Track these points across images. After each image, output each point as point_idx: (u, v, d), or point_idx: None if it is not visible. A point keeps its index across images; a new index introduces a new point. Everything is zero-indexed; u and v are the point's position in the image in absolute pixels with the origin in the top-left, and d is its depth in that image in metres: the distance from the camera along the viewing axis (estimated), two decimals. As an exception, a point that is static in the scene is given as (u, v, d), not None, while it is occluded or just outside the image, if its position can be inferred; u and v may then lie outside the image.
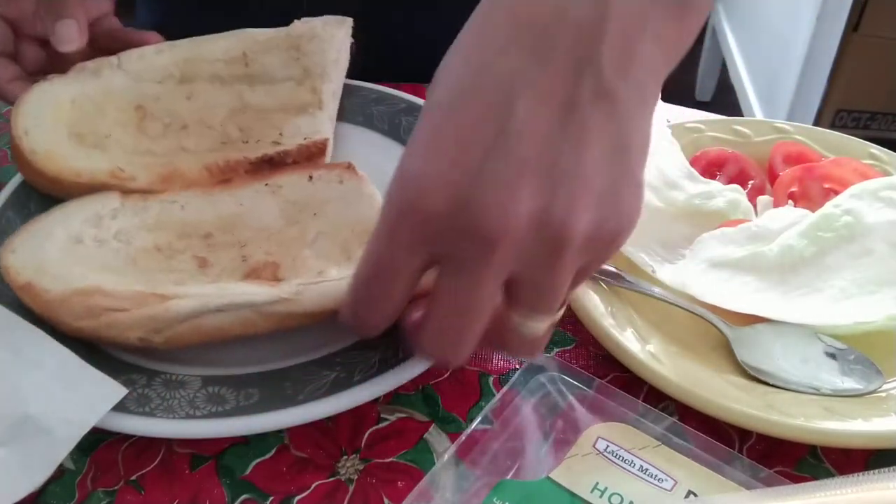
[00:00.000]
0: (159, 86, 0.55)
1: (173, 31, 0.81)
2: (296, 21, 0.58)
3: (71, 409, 0.38)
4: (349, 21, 0.59)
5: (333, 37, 0.58)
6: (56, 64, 0.61)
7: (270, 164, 0.51)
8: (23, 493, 0.37)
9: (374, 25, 0.68)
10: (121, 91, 0.54)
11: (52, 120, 0.51)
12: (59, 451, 0.38)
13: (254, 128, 0.54)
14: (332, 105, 0.57)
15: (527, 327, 0.35)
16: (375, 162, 0.52)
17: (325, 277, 0.42)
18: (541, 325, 0.35)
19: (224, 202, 0.49)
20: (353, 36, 0.61)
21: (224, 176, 0.51)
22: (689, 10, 0.34)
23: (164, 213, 0.48)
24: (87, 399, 0.39)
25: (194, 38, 0.57)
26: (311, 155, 0.52)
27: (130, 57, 0.55)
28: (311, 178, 0.50)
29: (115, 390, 0.39)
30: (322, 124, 0.54)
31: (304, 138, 0.53)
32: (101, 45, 0.61)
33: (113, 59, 0.55)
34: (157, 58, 0.56)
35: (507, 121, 0.31)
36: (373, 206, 0.48)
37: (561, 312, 0.36)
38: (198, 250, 0.46)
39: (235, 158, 0.51)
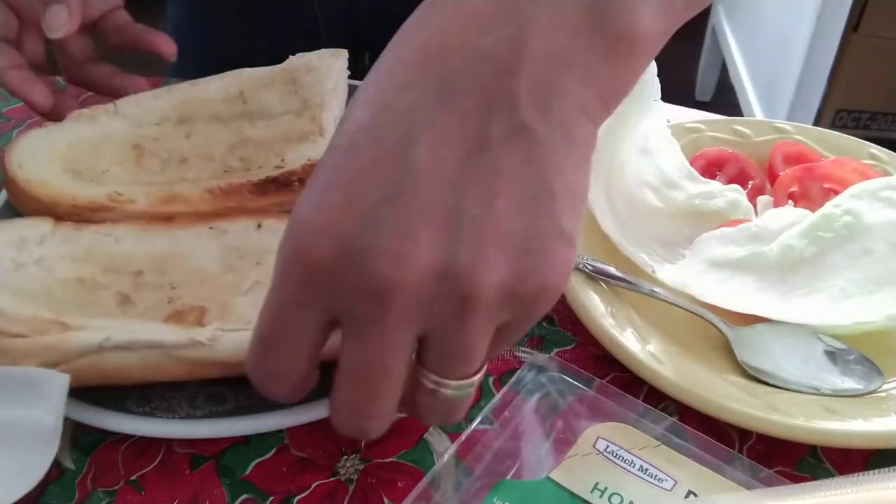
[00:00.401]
0: (157, 128, 0.54)
1: (201, 22, 0.81)
2: (291, 57, 0.57)
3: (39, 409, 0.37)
4: (345, 53, 0.58)
5: (331, 67, 0.57)
6: (62, 64, 0.60)
7: (275, 185, 0.50)
8: (13, 497, 0.36)
9: (376, 25, 0.68)
10: (118, 135, 0.53)
11: (48, 158, 0.50)
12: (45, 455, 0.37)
13: (255, 158, 0.53)
14: (334, 131, 0.56)
15: (440, 392, 0.32)
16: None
17: (250, 326, 0.36)
18: (456, 391, 0.32)
19: (161, 240, 0.46)
20: (355, 35, 0.60)
21: (227, 199, 0.49)
22: (619, 50, 0.31)
23: (96, 245, 0.46)
24: (45, 396, 0.37)
25: (190, 81, 0.56)
26: None
27: (127, 103, 0.54)
28: (259, 226, 0.47)
29: (61, 381, 0.37)
30: (325, 148, 0.53)
31: (308, 159, 0.51)
32: (111, 42, 0.60)
33: (109, 106, 0.54)
34: (154, 103, 0.55)
35: (405, 164, 0.28)
36: None
37: (480, 375, 0.32)
38: (123, 287, 0.44)
39: (238, 182, 0.50)
